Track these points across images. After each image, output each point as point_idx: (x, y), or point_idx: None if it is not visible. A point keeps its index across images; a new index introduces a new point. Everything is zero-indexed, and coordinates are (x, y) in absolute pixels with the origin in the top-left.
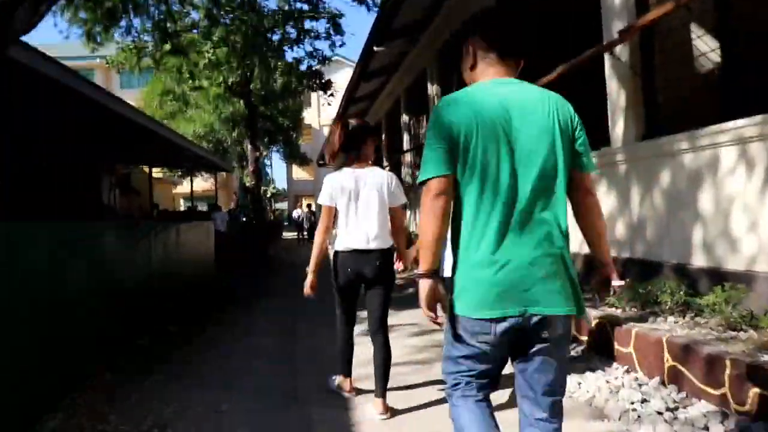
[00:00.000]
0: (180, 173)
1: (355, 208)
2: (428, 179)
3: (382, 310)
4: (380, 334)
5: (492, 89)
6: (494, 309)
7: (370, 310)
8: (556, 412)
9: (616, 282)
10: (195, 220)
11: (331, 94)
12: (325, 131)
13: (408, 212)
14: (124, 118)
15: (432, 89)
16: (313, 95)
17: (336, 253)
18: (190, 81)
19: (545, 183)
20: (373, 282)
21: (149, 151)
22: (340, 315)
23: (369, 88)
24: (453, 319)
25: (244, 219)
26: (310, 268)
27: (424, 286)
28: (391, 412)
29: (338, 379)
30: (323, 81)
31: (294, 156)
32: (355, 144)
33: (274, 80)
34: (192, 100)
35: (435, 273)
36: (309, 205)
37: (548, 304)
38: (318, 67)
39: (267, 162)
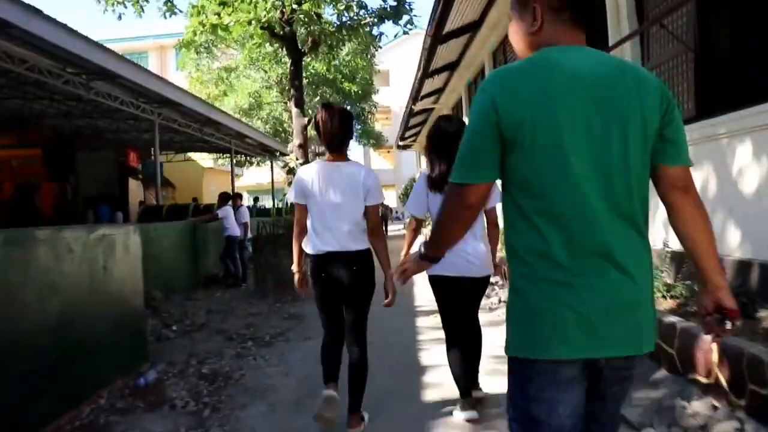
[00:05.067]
0: (235, 161)
1: (326, 205)
2: (462, 184)
3: (359, 319)
4: (356, 345)
5: (561, 59)
6: (568, 347)
7: (345, 319)
8: None
9: (734, 321)
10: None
11: (409, 22)
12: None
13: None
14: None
15: None
16: (392, 74)
17: (307, 256)
18: (215, 16)
19: (623, 181)
20: (349, 287)
21: (170, 129)
22: (324, 325)
23: (434, 85)
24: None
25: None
26: (295, 268)
27: (418, 265)
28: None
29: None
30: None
31: (368, 135)
32: (327, 134)
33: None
34: (234, 64)
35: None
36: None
37: (624, 342)
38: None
39: None
